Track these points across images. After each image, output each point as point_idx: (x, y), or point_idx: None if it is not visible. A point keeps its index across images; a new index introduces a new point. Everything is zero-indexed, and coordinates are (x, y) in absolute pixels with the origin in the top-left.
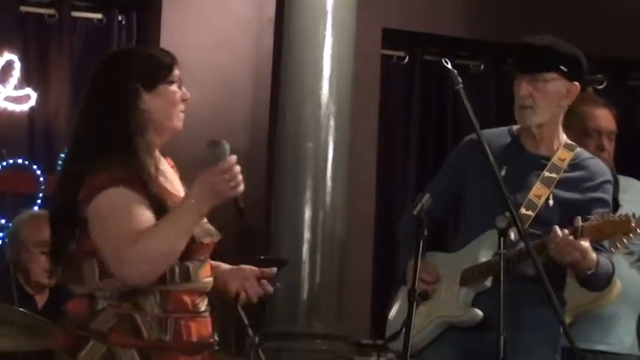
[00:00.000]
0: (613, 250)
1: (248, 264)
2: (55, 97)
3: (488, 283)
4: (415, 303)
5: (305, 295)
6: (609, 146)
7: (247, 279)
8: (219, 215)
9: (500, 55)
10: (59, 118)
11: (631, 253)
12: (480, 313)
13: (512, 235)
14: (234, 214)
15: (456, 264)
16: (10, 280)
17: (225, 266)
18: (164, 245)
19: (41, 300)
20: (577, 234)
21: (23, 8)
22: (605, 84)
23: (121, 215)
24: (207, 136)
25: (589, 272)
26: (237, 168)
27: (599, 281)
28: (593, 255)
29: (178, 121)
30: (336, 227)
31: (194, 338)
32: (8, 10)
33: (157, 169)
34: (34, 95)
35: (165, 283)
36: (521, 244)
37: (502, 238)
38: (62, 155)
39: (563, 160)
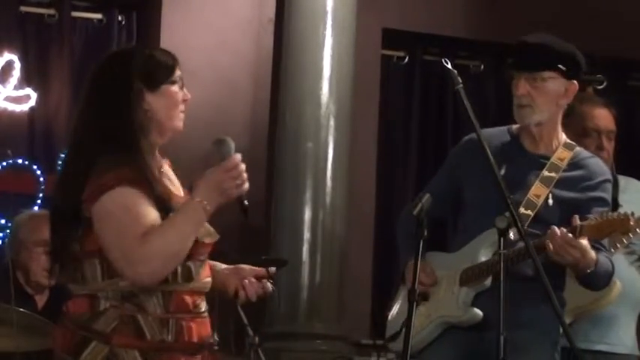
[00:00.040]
0: (613, 250)
1: (248, 264)
2: (55, 97)
3: (487, 282)
4: (415, 303)
5: (305, 295)
6: (609, 146)
7: (246, 278)
8: (219, 215)
9: (500, 55)
10: (59, 118)
11: (632, 253)
12: (479, 312)
13: (512, 235)
14: (239, 212)
15: (456, 264)
16: (10, 280)
17: (222, 266)
18: (173, 245)
19: (41, 300)
20: (576, 233)
21: (23, 8)
22: (605, 84)
23: (129, 215)
24: (207, 136)
25: (588, 271)
26: (243, 166)
27: (598, 280)
28: (592, 254)
29: (179, 121)
30: (336, 227)
31: (195, 339)
32: (8, 10)
33: (160, 169)
34: (34, 95)
35: (168, 284)
36: (521, 244)
37: (502, 239)
38: (62, 155)
39: (562, 160)
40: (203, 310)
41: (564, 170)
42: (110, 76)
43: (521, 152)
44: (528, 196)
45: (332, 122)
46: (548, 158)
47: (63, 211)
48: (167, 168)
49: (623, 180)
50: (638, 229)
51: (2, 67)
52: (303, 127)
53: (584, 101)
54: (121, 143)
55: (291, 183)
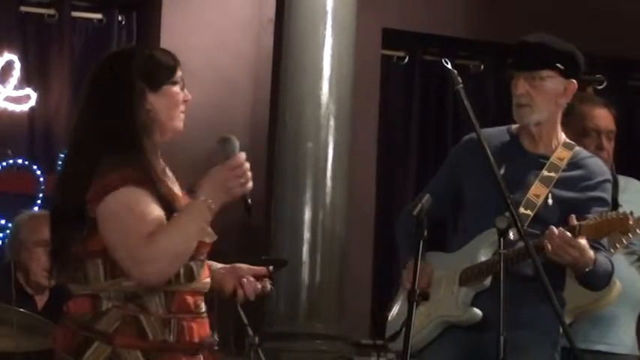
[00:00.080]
0: (612, 250)
1: (248, 264)
2: (55, 97)
3: (487, 282)
4: (415, 303)
5: (305, 295)
6: (608, 146)
7: (244, 277)
8: (219, 215)
9: (500, 55)
10: (59, 118)
11: (632, 253)
12: (479, 312)
13: (511, 235)
14: (241, 211)
15: (455, 264)
16: (10, 280)
17: (218, 265)
18: (179, 244)
19: (41, 301)
20: (575, 232)
21: (23, 8)
22: (605, 84)
23: (135, 215)
24: (207, 136)
25: (587, 270)
26: (247, 165)
27: (598, 279)
28: (591, 253)
29: (179, 122)
30: (336, 227)
31: (196, 339)
32: (8, 10)
33: (164, 169)
34: (34, 95)
35: (171, 284)
36: (520, 244)
37: (502, 239)
38: (62, 155)
39: (562, 159)
40: (203, 310)
41: (564, 170)
42: (111, 75)
43: (520, 152)
44: (528, 195)
45: (332, 122)
46: (547, 158)
47: (63, 211)
48: (167, 170)
49: (623, 180)
50: (637, 229)
51: (2, 67)
52: (303, 127)
53: (584, 101)
54: (124, 143)
55: (291, 183)
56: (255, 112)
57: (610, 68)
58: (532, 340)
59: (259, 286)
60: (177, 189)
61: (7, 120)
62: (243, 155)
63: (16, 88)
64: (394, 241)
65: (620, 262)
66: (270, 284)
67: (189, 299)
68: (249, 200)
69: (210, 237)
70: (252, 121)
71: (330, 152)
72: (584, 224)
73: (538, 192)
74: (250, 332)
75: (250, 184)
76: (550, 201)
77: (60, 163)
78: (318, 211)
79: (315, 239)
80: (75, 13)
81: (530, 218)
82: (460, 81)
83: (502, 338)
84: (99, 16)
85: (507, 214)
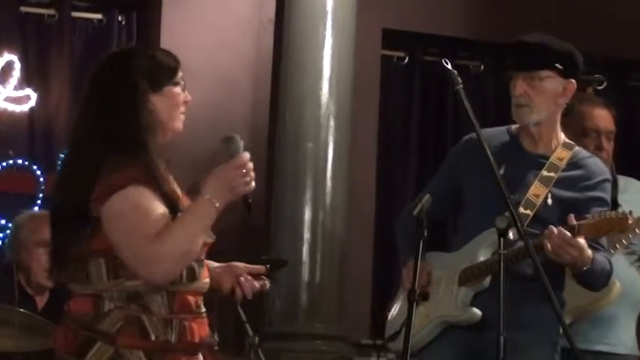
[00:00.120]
0: (612, 250)
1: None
2: (55, 98)
3: (486, 282)
4: (415, 303)
5: (305, 295)
6: (608, 146)
7: (241, 276)
8: (220, 215)
9: (500, 56)
10: (59, 118)
11: (632, 253)
12: (478, 312)
13: (511, 235)
14: (241, 209)
15: (455, 264)
16: (10, 280)
17: (214, 264)
18: (184, 244)
19: (41, 301)
20: (574, 232)
21: (23, 8)
22: (605, 84)
23: (141, 214)
24: (207, 136)
25: (585, 269)
26: (251, 164)
27: (596, 278)
28: (589, 252)
29: (179, 122)
30: (336, 227)
31: (196, 339)
32: (8, 10)
33: (164, 169)
34: (34, 95)
35: (173, 284)
36: (520, 244)
37: (502, 239)
38: (62, 155)
39: (561, 159)
40: (203, 310)
41: (563, 170)
42: (111, 76)
43: (520, 152)
44: (527, 195)
45: (332, 122)
46: (547, 158)
47: (64, 211)
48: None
49: (622, 180)
50: (637, 229)
51: (2, 68)
52: (303, 127)
53: (583, 101)
54: (126, 143)
55: (291, 183)
56: (255, 112)
57: (610, 68)
58: (532, 340)
59: (257, 284)
60: (177, 187)
61: (7, 120)
62: (247, 154)
63: (16, 88)
64: (394, 241)
65: (620, 262)
66: (269, 282)
67: (191, 299)
68: (250, 199)
69: (210, 236)
70: (252, 121)
71: (330, 152)
72: (583, 224)
73: (538, 192)
74: (250, 332)
75: (254, 184)
76: (550, 201)
77: (60, 163)
78: (318, 211)
79: (315, 239)
80: (75, 14)
81: (529, 218)
82: (460, 81)
83: (502, 338)
84: (99, 16)
85: (507, 214)
